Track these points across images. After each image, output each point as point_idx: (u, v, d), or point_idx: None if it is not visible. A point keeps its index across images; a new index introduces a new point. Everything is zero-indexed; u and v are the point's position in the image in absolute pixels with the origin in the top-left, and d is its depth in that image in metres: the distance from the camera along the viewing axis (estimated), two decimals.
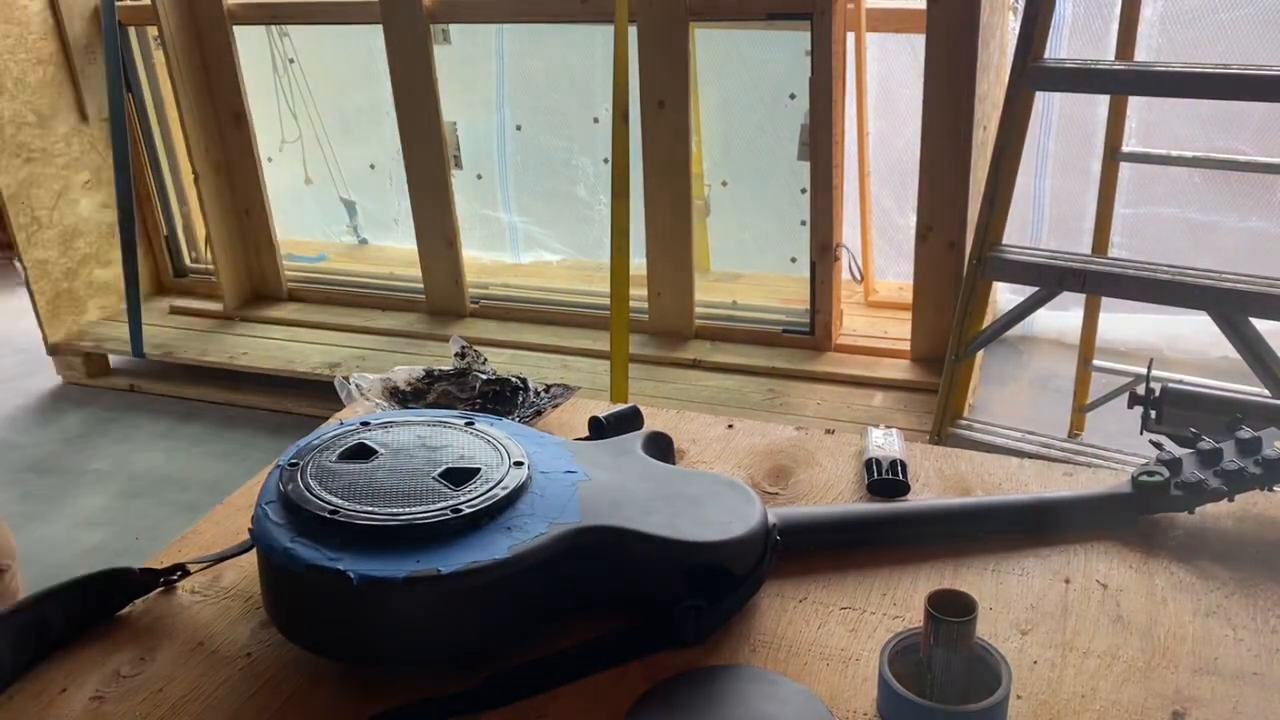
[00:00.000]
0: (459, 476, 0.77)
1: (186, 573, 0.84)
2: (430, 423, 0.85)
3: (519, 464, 0.79)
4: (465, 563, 0.70)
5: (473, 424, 0.85)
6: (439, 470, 0.78)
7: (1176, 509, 0.86)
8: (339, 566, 0.69)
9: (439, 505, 0.73)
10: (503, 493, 0.75)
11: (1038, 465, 0.97)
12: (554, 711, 0.71)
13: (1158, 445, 0.90)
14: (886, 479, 0.93)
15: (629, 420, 1.03)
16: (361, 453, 0.80)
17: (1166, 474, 0.86)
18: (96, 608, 0.80)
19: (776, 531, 0.81)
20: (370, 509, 0.73)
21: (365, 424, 0.85)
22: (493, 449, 0.81)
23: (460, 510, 0.73)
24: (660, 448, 0.91)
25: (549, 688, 0.72)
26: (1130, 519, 0.87)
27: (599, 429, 1.00)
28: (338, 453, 0.80)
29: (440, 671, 0.73)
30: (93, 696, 0.73)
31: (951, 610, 0.65)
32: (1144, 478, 0.87)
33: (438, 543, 0.71)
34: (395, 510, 0.73)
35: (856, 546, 0.86)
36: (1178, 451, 0.88)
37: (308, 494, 0.75)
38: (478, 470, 0.78)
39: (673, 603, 0.75)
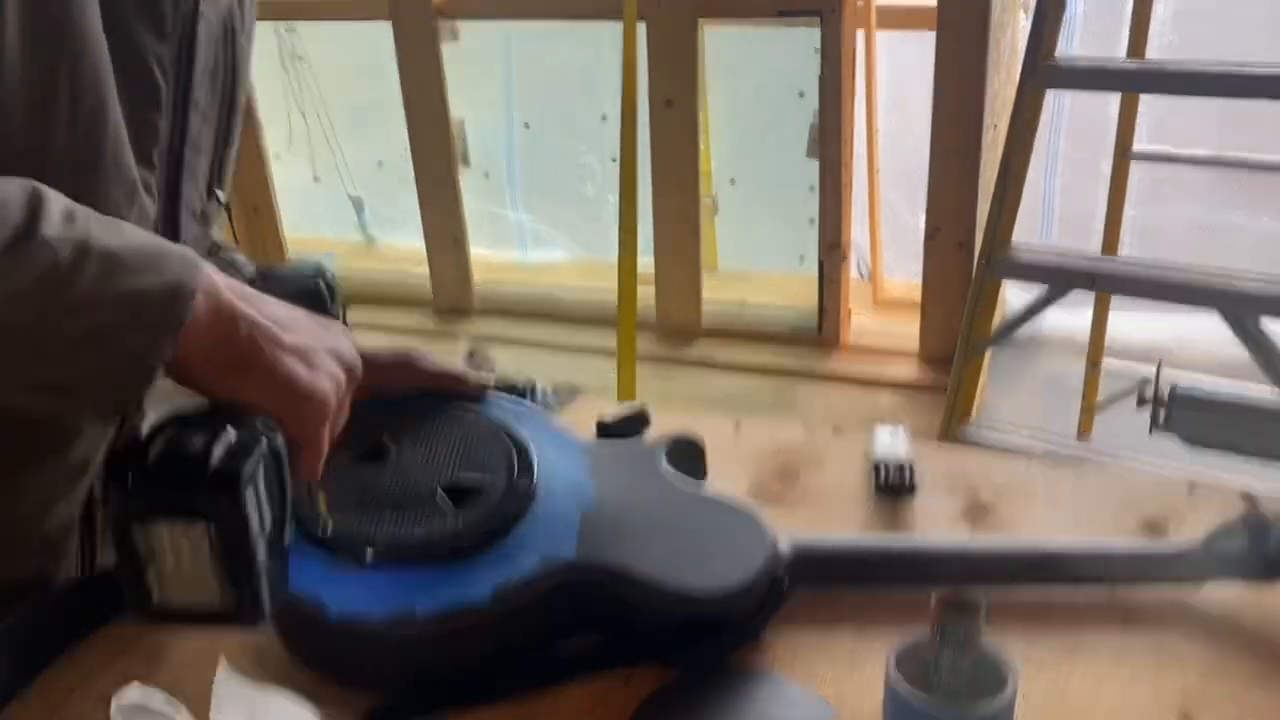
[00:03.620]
0: (461, 494, 0.75)
1: None
2: (454, 412, 0.83)
3: (525, 478, 0.76)
4: (445, 604, 0.68)
5: (499, 418, 0.83)
6: (443, 484, 0.76)
7: (1254, 578, 0.77)
8: (320, 598, 0.68)
9: (433, 530, 0.72)
10: (498, 522, 0.73)
11: (1046, 465, 0.97)
12: (560, 712, 0.71)
13: (1249, 501, 0.80)
14: (892, 483, 0.92)
15: (634, 422, 1.02)
16: (374, 455, 0.79)
17: (1246, 537, 0.76)
18: (109, 605, 0.80)
19: (786, 572, 0.77)
20: (365, 530, 0.72)
21: (393, 405, 0.82)
22: (505, 458, 0.78)
23: (449, 541, 0.71)
24: (687, 455, 0.88)
25: (551, 683, 0.72)
26: (1198, 582, 0.79)
27: (603, 433, 1.00)
28: (352, 453, 0.78)
29: None
30: (101, 698, 0.73)
31: (959, 611, 0.64)
32: (1220, 539, 0.77)
33: (426, 572, 0.70)
34: (389, 531, 0.72)
35: (884, 588, 0.81)
36: (1268, 514, 0.77)
37: (306, 503, 0.73)
38: (480, 492, 0.75)
39: (667, 645, 0.73)
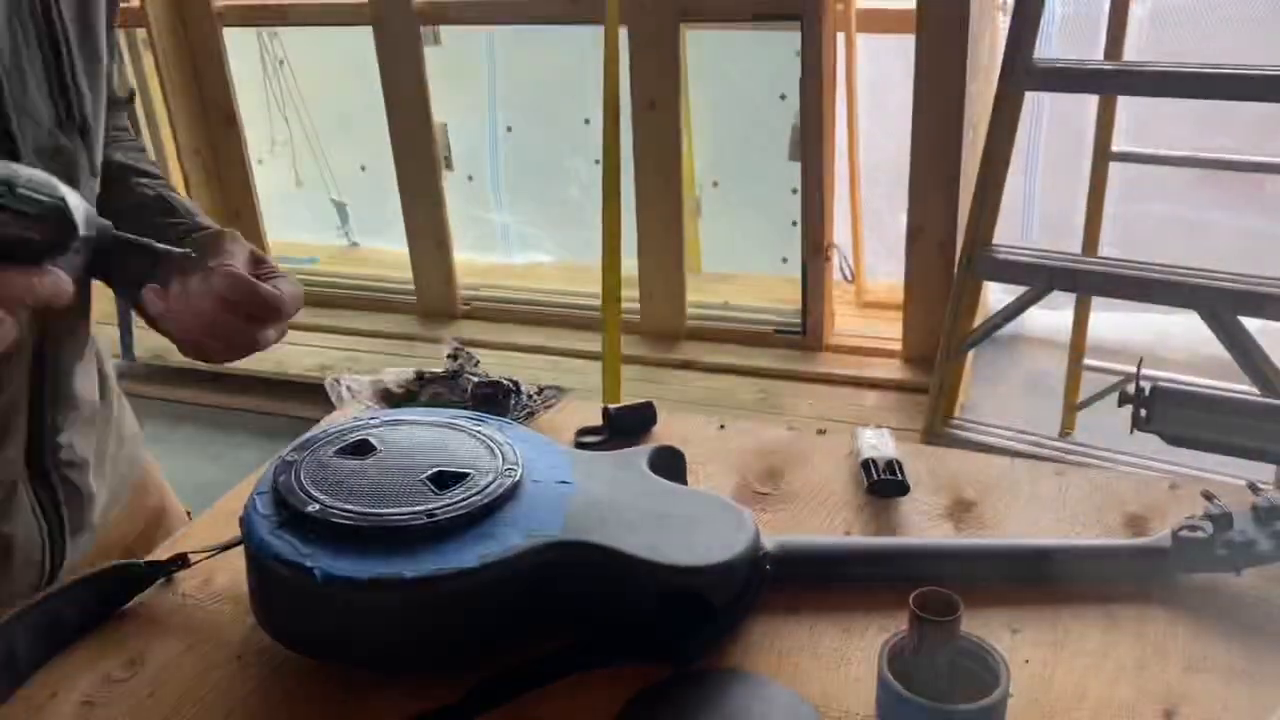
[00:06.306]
0: (446, 481, 0.76)
1: (187, 563, 0.84)
2: (437, 423, 0.85)
3: (510, 471, 0.78)
4: (431, 569, 0.69)
5: (481, 428, 0.84)
6: (428, 473, 0.77)
7: (1221, 569, 0.78)
8: (307, 563, 0.69)
9: (418, 509, 0.73)
10: (485, 500, 0.74)
11: (1029, 464, 0.98)
12: (545, 713, 0.71)
13: (1209, 497, 0.81)
14: (886, 479, 0.92)
15: (642, 412, 1.03)
16: (359, 450, 0.80)
17: (1211, 529, 0.78)
18: (106, 601, 0.81)
19: (768, 561, 0.78)
20: (351, 508, 0.73)
21: (373, 420, 0.84)
22: (491, 454, 0.80)
23: (434, 515, 0.72)
24: (669, 464, 0.89)
25: (540, 684, 0.72)
26: (1168, 575, 0.80)
27: (610, 421, 1.00)
28: (336, 448, 0.80)
29: (427, 675, 0.73)
30: (83, 701, 0.73)
31: (937, 609, 0.65)
32: (1185, 532, 0.78)
33: (411, 547, 0.71)
34: (374, 511, 0.73)
35: (861, 581, 0.82)
36: (1230, 506, 0.79)
37: (296, 488, 0.75)
38: (466, 475, 0.77)
39: (649, 624, 0.73)
